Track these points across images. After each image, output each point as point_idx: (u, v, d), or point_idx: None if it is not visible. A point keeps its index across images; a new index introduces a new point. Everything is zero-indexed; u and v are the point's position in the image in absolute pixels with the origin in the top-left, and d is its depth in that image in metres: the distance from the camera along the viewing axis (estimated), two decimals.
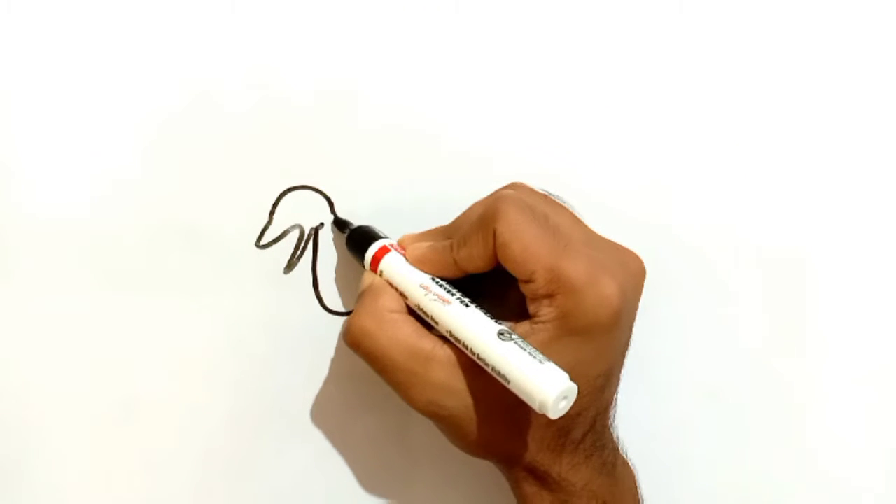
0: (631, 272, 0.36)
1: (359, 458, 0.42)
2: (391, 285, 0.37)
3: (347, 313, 0.41)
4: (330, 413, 0.42)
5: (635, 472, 0.38)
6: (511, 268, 0.35)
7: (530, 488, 0.36)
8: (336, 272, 0.41)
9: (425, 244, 0.37)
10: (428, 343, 0.35)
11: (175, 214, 0.40)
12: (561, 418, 0.33)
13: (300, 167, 0.41)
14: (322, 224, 0.41)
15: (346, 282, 0.41)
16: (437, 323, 0.35)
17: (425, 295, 0.36)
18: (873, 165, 0.43)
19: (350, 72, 0.41)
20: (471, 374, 0.35)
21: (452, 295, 0.36)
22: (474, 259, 0.35)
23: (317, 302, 0.41)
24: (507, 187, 0.37)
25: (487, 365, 0.34)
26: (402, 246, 0.38)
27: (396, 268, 0.37)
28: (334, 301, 0.41)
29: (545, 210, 0.36)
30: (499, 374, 0.33)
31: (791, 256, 0.43)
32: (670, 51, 0.42)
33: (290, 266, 0.41)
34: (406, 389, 0.35)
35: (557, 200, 0.37)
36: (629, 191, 0.42)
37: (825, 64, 0.43)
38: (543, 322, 0.34)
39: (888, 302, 0.44)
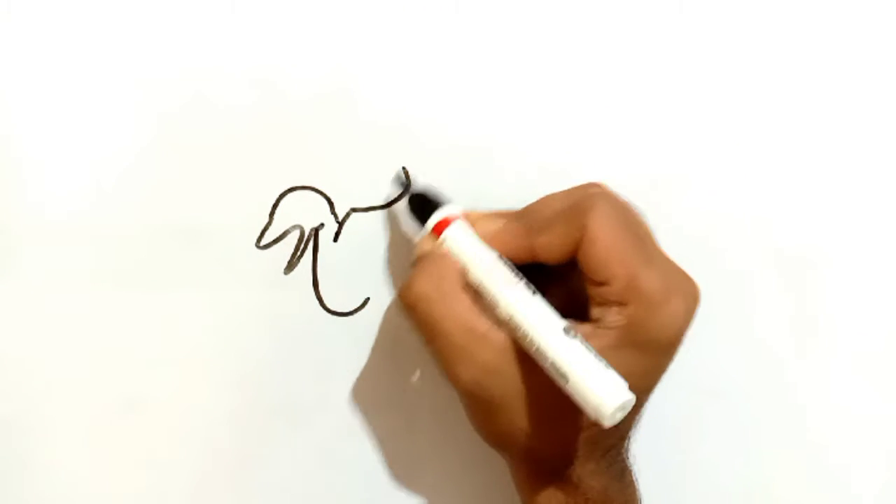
0: (692, 297, 0.36)
1: (360, 458, 0.42)
2: (452, 256, 0.36)
3: (347, 313, 0.41)
4: (330, 413, 0.42)
5: (636, 476, 0.38)
6: (590, 266, 0.34)
7: (543, 488, 0.36)
8: (336, 272, 0.41)
9: (498, 222, 0.37)
10: (484, 323, 0.35)
11: (175, 214, 0.40)
12: (599, 427, 0.33)
13: (300, 167, 0.41)
14: (322, 224, 0.41)
15: (347, 282, 0.41)
16: (498, 304, 0.34)
17: (490, 273, 0.35)
18: (883, 164, 0.43)
19: (350, 71, 0.41)
20: (522, 363, 0.34)
21: (521, 279, 0.35)
22: (553, 248, 0.35)
23: (317, 302, 0.41)
24: (592, 185, 0.36)
25: (546, 359, 0.32)
26: (468, 219, 0.37)
27: (464, 239, 0.36)
28: (334, 301, 0.41)
29: (631, 217, 0.35)
30: (557, 370, 0.32)
31: (799, 254, 0.43)
32: (672, 48, 0.42)
33: (290, 266, 0.41)
34: (453, 363, 0.35)
35: (636, 212, 0.37)
36: (631, 189, 0.42)
37: (838, 60, 0.43)
38: (608, 328, 0.34)
39: None
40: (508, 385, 0.34)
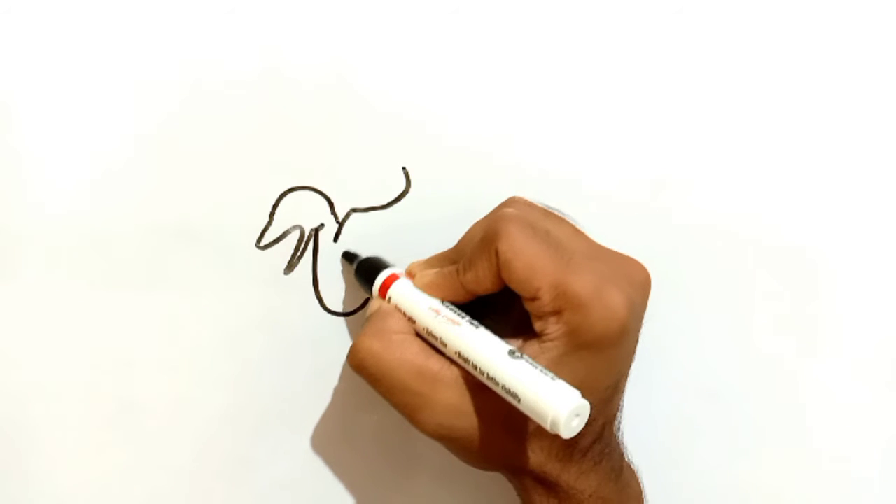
0: (636, 283, 0.36)
1: (359, 457, 0.42)
2: (399, 311, 0.37)
3: (347, 313, 0.41)
4: (330, 413, 0.42)
5: (639, 476, 0.38)
6: (515, 286, 0.34)
7: (539, 497, 0.36)
8: (336, 272, 0.41)
9: (433, 270, 0.37)
10: (435, 363, 0.35)
11: (175, 214, 0.40)
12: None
13: (300, 167, 0.41)
14: (322, 224, 0.41)
15: (347, 282, 0.41)
16: (445, 345, 0.35)
17: (435, 318, 0.36)
18: (882, 163, 0.44)
19: (351, 72, 0.41)
20: (478, 394, 0.35)
21: (462, 317, 0.36)
22: (481, 281, 0.35)
23: (317, 302, 0.41)
24: (504, 205, 0.37)
25: (497, 385, 0.33)
26: (410, 274, 0.38)
27: (405, 293, 0.37)
28: (334, 301, 0.41)
29: (546, 225, 0.36)
30: (509, 392, 0.33)
31: (796, 255, 0.43)
32: (671, 49, 0.42)
33: (291, 266, 0.41)
34: (414, 412, 0.35)
35: (557, 213, 0.37)
36: (631, 189, 0.42)
37: (836, 61, 0.43)
38: (552, 339, 0.34)
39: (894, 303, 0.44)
40: (472, 418, 0.35)
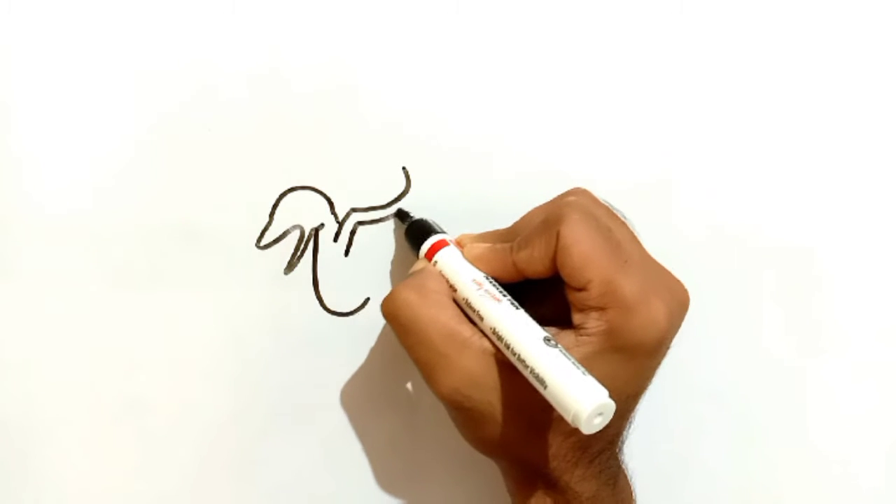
0: (678, 301, 0.36)
1: (360, 457, 0.42)
2: (442, 276, 0.37)
3: (347, 313, 0.41)
4: (330, 413, 0.42)
5: (632, 483, 0.38)
6: (567, 273, 0.34)
7: (532, 494, 0.36)
8: (336, 272, 0.41)
9: (484, 244, 0.37)
10: (466, 330, 0.35)
11: (175, 214, 0.40)
12: (581, 433, 0.33)
13: (300, 167, 0.41)
14: (322, 224, 0.41)
15: (347, 282, 0.41)
16: (482, 319, 0.35)
17: (477, 290, 0.35)
18: (885, 164, 0.43)
19: (351, 71, 0.41)
20: (503, 372, 0.34)
21: (504, 295, 0.35)
22: (534, 262, 0.35)
23: (317, 302, 0.41)
24: (570, 193, 0.37)
25: (527, 368, 0.33)
26: (459, 244, 0.38)
27: (452, 261, 0.37)
28: (334, 301, 0.41)
29: (608, 223, 0.35)
30: (537, 378, 0.32)
31: (801, 256, 0.43)
32: (669, 51, 0.42)
33: (291, 266, 0.41)
34: (434, 371, 0.35)
35: (619, 215, 0.37)
36: (631, 188, 0.42)
37: (834, 61, 0.43)
38: (589, 335, 0.34)
39: None
40: (490, 392, 0.34)
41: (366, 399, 0.42)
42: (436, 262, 0.37)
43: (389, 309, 0.36)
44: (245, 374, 0.41)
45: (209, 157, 0.40)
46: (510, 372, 0.34)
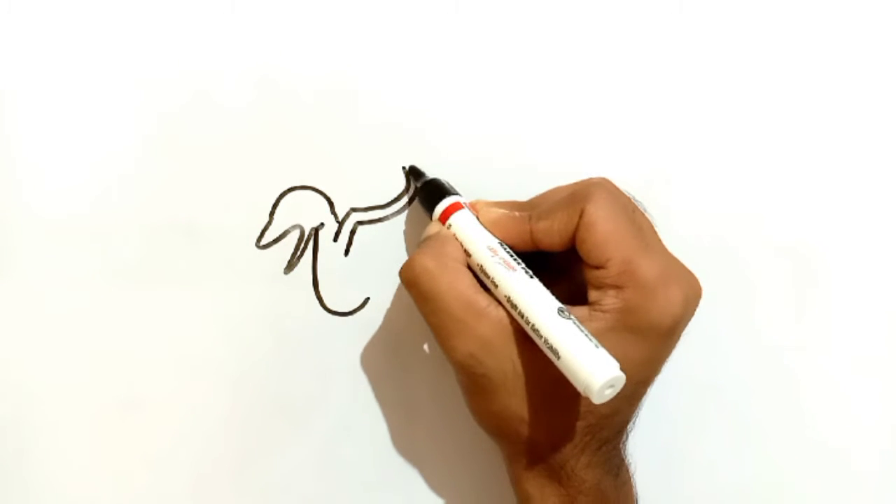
0: (694, 290, 0.36)
1: (360, 457, 0.42)
2: (457, 241, 0.37)
3: (347, 313, 0.41)
4: (330, 412, 0.42)
5: (633, 476, 0.38)
6: (587, 250, 0.35)
7: (535, 478, 0.36)
8: (336, 272, 0.41)
9: (501, 209, 0.37)
10: (483, 299, 0.35)
11: (175, 214, 0.40)
12: (596, 416, 0.33)
13: (300, 167, 0.41)
14: (322, 224, 0.41)
15: (347, 282, 0.41)
16: (496, 286, 0.35)
17: (492, 257, 0.36)
18: (883, 161, 0.43)
19: (350, 71, 0.41)
20: (519, 341, 0.35)
21: (518, 263, 0.35)
22: (552, 234, 0.35)
23: (317, 302, 0.41)
24: (595, 178, 0.37)
25: (540, 337, 0.33)
26: (473, 208, 0.38)
27: (467, 225, 0.37)
28: (334, 301, 0.41)
29: (632, 208, 0.36)
30: (550, 348, 0.33)
31: (799, 248, 0.43)
32: (669, 47, 0.42)
33: (291, 266, 0.41)
34: (450, 336, 0.35)
35: (640, 207, 0.37)
36: (633, 187, 0.42)
37: (835, 58, 0.43)
38: (604, 311, 0.34)
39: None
40: (504, 363, 0.35)
41: (366, 399, 0.42)
42: (450, 225, 0.37)
43: (408, 276, 0.36)
44: (245, 373, 0.41)
45: (209, 157, 0.40)
46: (525, 342, 0.34)
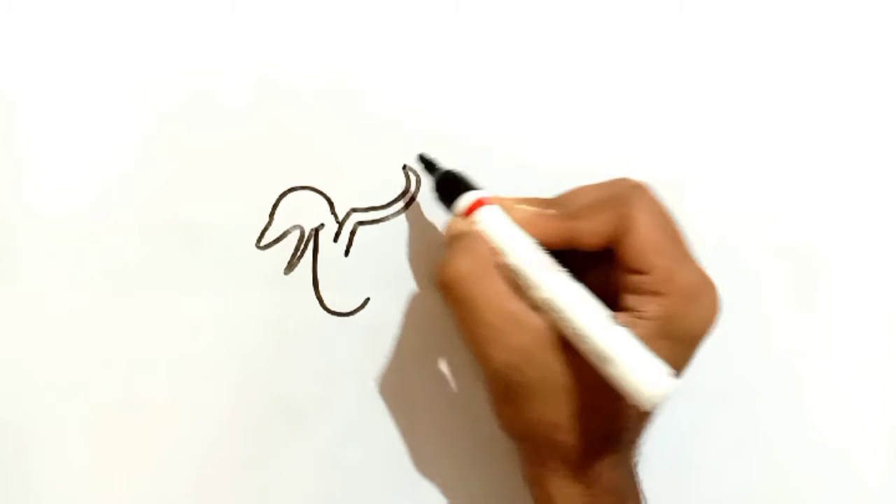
0: (719, 299, 0.36)
1: (360, 458, 0.42)
2: (486, 239, 0.35)
3: (347, 313, 0.41)
4: (331, 413, 0.41)
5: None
6: (631, 255, 0.34)
7: (560, 479, 0.36)
8: (336, 272, 0.41)
9: (531, 208, 0.36)
10: (520, 305, 0.34)
11: (175, 214, 0.40)
12: (627, 420, 0.33)
13: (300, 167, 0.41)
14: (322, 224, 0.41)
15: (347, 282, 0.41)
16: (538, 288, 0.34)
17: (531, 258, 0.34)
18: (886, 162, 0.43)
19: (350, 71, 0.41)
20: (557, 348, 0.34)
21: (559, 266, 0.34)
22: (592, 233, 0.35)
23: (317, 302, 0.41)
24: (631, 180, 0.36)
25: (591, 342, 0.32)
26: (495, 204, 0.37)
27: (498, 223, 0.35)
28: (334, 301, 0.41)
29: (668, 216, 0.36)
30: (602, 354, 0.32)
31: (806, 252, 0.43)
32: (671, 48, 0.42)
33: (291, 266, 0.41)
34: (487, 345, 0.34)
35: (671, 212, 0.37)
36: None
37: (838, 58, 0.43)
38: (646, 318, 0.34)
39: None
40: (542, 370, 0.34)
41: (366, 399, 0.41)
42: (477, 221, 0.36)
43: (445, 280, 0.35)
44: (245, 374, 0.41)
45: (209, 157, 0.40)
46: (564, 349, 0.34)
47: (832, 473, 0.43)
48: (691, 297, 0.34)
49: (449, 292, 0.35)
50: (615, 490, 0.36)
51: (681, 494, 0.43)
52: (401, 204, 0.41)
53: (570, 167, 0.42)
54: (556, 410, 0.34)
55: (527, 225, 0.36)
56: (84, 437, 0.41)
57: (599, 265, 0.36)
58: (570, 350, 0.33)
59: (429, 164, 0.39)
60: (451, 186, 0.37)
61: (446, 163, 0.40)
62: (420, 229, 0.41)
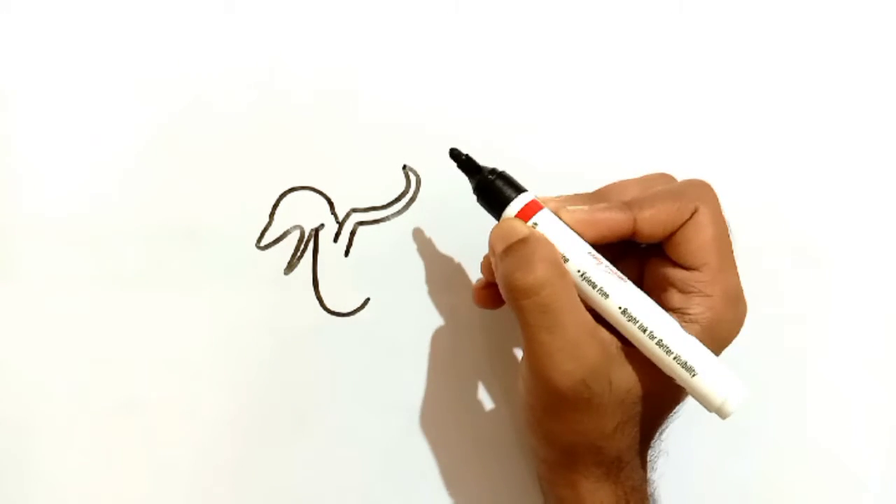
0: (746, 310, 0.36)
1: (360, 457, 0.42)
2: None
3: (347, 313, 0.41)
4: (331, 414, 0.41)
5: None
6: (689, 250, 0.34)
7: (590, 483, 0.35)
8: (336, 272, 0.41)
9: (581, 206, 0.34)
10: (591, 318, 0.33)
11: (176, 215, 0.40)
12: (663, 422, 0.34)
13: (300, 167, 0.41)
14: (322, 224, 0.41)
15: (347, 282, 0.41)
16: (608, 295, 0.33)
17: (597, 265, 0.33)
18: (890, 161, 0.43)
19: (350, 71, 0.41)
20: (618, 360, 0.33)
21: (620, 272, 0.34)
22: (653, 223, 0.33)
23: (317, 302, 0.41)
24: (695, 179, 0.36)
25: (671, 353, 0.32)
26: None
27: (558, 228, 0.34)
28: (334, 301, 0.41)
29: (725, 219, 0.35)
30: (683, 364, 0.32)
31: (808, 251, 0.43)
32: (671, 48, 0.42)
33: (291, 266, 0.41)
34: (555, 354, 0.32)
35: None
36: None
37: (840, 58, 0.43)
38: (695, 321, 0.33)
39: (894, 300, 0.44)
40: (604, 384, 0.33)
41: (366, 399, 0.41)
42: (535, 224, 0.34)
43: (525, 287, 0.32)
44: (245, 374, 0.41)
45: (210, 158, 0.40)
46: (626, 361, 0.33)
47: (832, 473, 0.43)
48: (732, 302, 0.34)
49: (532, 297, 0.32)
50: (640, 488, 0.36)
51: (681, 494, 0.42)
52: (401, 204, 0.41)
53: (571, 167, 0.42)
54: (609, 421, 0.34)
55: (578, 225, 0.34)
56: (84, 438, 0.41)
57: (628, 257, 0.36)
58: (634, 361, 0.33)
59: (467, 162, 0.36)
60: (498, 186, 0.35)
61: (446, 163, 0.40)
62: (420, 229, 0.41)
